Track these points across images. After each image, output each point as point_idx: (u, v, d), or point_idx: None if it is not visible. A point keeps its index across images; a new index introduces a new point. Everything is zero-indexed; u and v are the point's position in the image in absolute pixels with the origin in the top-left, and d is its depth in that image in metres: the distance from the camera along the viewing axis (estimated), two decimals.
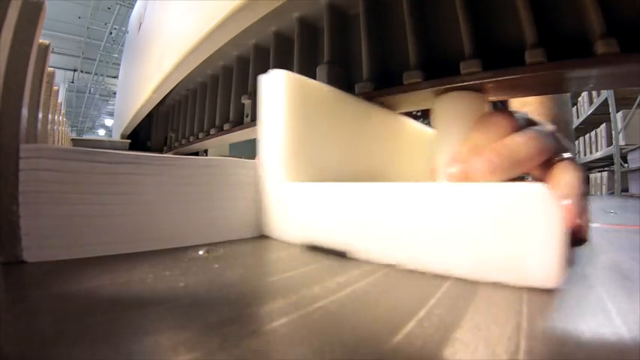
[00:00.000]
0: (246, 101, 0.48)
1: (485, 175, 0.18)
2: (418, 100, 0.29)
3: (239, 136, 0.56)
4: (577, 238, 0.18)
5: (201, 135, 0.65)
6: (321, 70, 0.35)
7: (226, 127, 0.55)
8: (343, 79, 0.35)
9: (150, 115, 0.87)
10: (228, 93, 0.55)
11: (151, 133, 0.98)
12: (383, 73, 0.33)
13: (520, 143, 0.19)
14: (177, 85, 0.62)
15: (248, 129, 0.49)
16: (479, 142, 0.20)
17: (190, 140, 0.72)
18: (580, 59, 0.21)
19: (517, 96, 0.29)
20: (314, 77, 0.36)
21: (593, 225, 0.29)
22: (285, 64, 0.44)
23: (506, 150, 0.19)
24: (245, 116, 0.50)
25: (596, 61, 0.21)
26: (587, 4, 0.21)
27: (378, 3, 0.34)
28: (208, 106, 0.63)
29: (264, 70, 0.48)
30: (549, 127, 0.24)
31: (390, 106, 0.31)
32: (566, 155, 0.21)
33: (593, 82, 0.24)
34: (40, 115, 0.24)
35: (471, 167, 0.19)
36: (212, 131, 0.60)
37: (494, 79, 0.24)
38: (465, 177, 0.19)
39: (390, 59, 0.33)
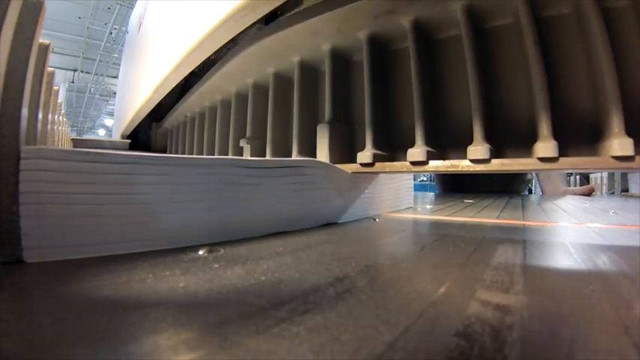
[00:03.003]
0: (245, 147, 0.49)
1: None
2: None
3: None
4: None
5: None
6: (322, 130, 0.34)
7: None
8: (344, 138, 0.35)
9: (148, 131, 0.88)
10: (227, 129, 0.56)
11: (150, 142, 0.99)
12: (386, 140, 0.33)
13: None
14: (174, 111, 0.62)
15: None
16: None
17: None
18: (592, 158, 0.21)
19: (521, 172, 0.30)
20: (314, 121, 0.36)
21: (594, 225, 0.29)
22: (284, 108, 0.44)
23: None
24: None
25: (608, 161, 0.21)
26: (610, 100, 0.21)
27: (384, 77, 0.33)
28: (207, 137, 0.64)
29: (264, 109, 0.48)
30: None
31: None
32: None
33: (600, 170, 0.24)
34: (41, 115, 0.24)
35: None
36: None
37: (501, 169, 0.24)
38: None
39: (395, 126, 0.33)
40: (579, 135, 0.23)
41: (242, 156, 0.50)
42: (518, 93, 0.26)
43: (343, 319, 0.09)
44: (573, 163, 0.22)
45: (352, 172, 0.31)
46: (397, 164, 0.29)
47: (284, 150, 0.43)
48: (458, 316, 0.09)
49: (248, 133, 0.48)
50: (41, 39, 0.22)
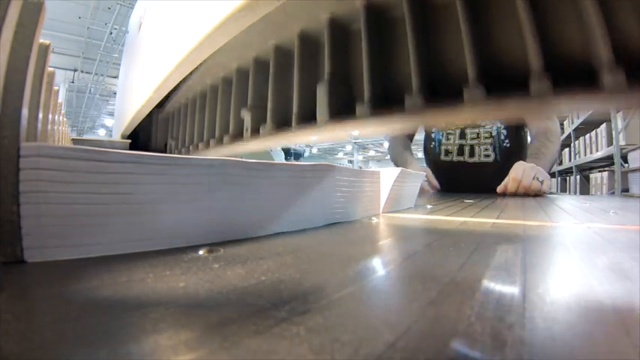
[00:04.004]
0: (246, 115, 0.49)
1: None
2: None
3: (239, 148, 0.56)
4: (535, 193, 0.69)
5: (200, 145, 0.66)
6: (322, 88, 0.34)
7: (226, 139, 0.55)
8: (344, 97, 0.35)
9: (150, 119, 0.88)
10: (228, 104, 0.56)
11: (150, 138, 0.99)
12: (384, 93, 0.33)
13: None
14: (176, 92, 0.62)
15: (248, 143, 0.50)
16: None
17: (190, 149, 0.72)
18: (585, 90, 0.21)
19: (519, 117, 0.30)
20: (314, 91, 0.36)
21: (594, 225, 0.29)
22: (285, 77, 0.44)
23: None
24: (245, 130, 0.50)
25: (601, 92, 0.20)
26: (596, 32, 0.21)
27: (381, 24, 0.33)
28: (208, 116, 0.64)
29: (265, 84, 0.48)
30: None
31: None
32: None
33: (596, 107, 0.24)
34: (41, 115, 0.24)
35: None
36: (211, 142, 0.60)
37: (496, 106, 0.24)
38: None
39: (392, 79, 0.33)
40: (571, 72, 0.23)
41: (243, 127, 0.50)
42: (511, 40, 0.26)
43: (343, 319, 0.09)
44: (567, 97, 0.22)
45: (350, 130, 0.32)
46: (394, 112, 0.30)
47: (283, 118, 0.44)
48: (458, 316, 0.09)
49: (249, 104, 0.48)
50: (41, 39, 0.22)
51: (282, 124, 0.42)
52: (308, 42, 0.40)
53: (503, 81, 0.25)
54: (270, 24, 0.35)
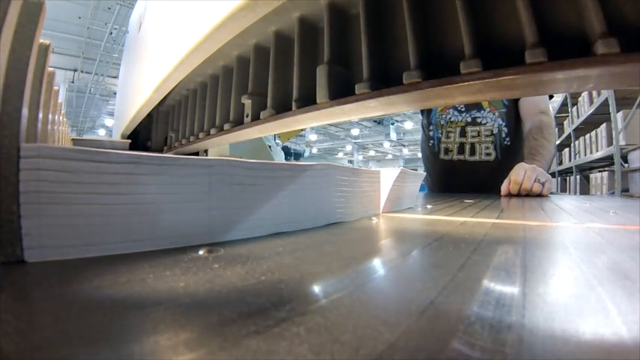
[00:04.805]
0: (246, 101, 0.48)
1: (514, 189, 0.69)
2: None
3: (239, 136, 0.56)
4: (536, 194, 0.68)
5: (201, 135, 0.65)
6: (321, 70, 0.35)
7: (226, 127, 0.55)
8: (343, 79, 0.35)
9: (150, 115, 0.88)
10: (229, 93, 0.55)
11: (151, 133, 0.99)
12: (383, 72, 0.33)
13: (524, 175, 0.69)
14: (177, 85, 0.62)
15: (248, 129, 0.49)
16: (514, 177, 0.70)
17: (190, 140, 0.72)
18: (580, 59, 0.21)
19: (517, 96, 0.30)
20: (314, 77, 0.36)
21: (594, 225, 0.29)
22: (285, 63, 0.44)
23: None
24: (245, 116, 0.50)
25: (596, 60, 0.21)
26: (588, 5, 0.21)
27: (379, 3, 0.34)
28: (208, 105, 0.63)
29: (265, 70, 0.48)
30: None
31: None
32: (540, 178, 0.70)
33: (594, 82, 0.24)
34: (41, 115, 0.24)
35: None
36: (212, 131, 0.60)
37: (494, 79, 0.24)
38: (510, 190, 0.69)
39: (390, 59, 0.33)
40: (566, 45, 0.23)
41: (244, 114, 0.50)
42: (506, 15, 0.26)
43: (343, 319, 0.09)
44: (562, 67, 0.22)
45: (350, 105, 0.32)
46: (392, 89, 0.29)
47: (284, 103, 0.44)
48: (458, 316, 0.09)
49: (250, 90, 0.49)
50: (41, 39, 0.22)
51: (283, 109, 0.43)
52: (308, 27, 0.40)
53: (499, 56, 0.25)
54: (271, 10, 0.35)
